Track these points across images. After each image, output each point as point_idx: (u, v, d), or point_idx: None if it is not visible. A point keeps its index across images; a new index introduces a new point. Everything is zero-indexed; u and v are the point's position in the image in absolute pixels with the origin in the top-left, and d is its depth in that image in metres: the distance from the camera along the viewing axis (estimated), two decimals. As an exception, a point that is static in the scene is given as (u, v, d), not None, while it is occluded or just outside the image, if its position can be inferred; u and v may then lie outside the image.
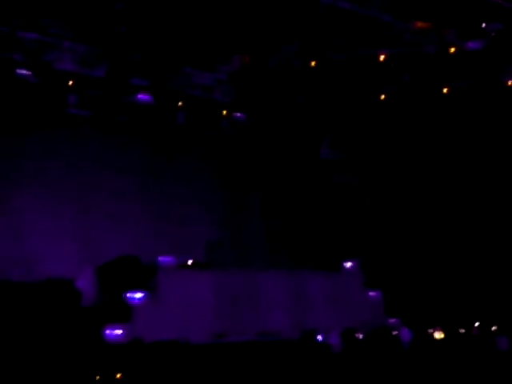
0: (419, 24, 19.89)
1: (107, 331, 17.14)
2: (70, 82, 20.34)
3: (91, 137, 21.50)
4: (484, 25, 19.68)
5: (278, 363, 16.99)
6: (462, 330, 20.90)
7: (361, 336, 19.40)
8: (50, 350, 15.63)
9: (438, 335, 20.63)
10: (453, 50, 20.42)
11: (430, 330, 20.63)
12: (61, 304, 17.66)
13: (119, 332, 17.21)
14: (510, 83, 21.76)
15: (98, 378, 14.99)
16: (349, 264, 21.43)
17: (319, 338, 18.95)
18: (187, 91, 21.88)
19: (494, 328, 21.20)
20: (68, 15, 19.00)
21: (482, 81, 21.73)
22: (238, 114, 23.23)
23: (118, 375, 15.29)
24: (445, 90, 22.11)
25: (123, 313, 17.66)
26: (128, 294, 17.95)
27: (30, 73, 19.79)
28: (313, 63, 20.94)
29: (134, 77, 20.67)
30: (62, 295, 17.93)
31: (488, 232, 23.63)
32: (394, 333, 19.96)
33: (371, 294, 21.29)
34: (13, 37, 19.17)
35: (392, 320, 20.82)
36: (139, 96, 21.15)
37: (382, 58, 20.62)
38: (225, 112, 22.96)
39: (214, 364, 16.52)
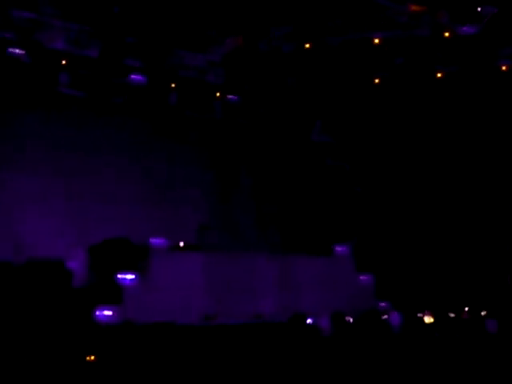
0: (413, 7, 19.80)
1: (98, 312, 17.16)
2: (63, 62, 20.18)
3: (83, 117, 21.35)
4: (479, 9, 19.58)
5: (267, 346, 17.01)
6: (452, 314, 20.98)
7: (351, 319, 19.44)
8: (41, 330, 15.63)
9: (428, 319, 20.70)
10: (447, 33, 20.32)
11: (420, 314, 20.71)
12: (52, 284, 17.66)
13: (110, 313, 17.23)
14: (504, 68, 21.71)
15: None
16: (340, 248, 21.47)
17: (309, 321, 18.99)
18: (180, 73, 21.78)
19: (483, 312, 21.30)
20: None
21: (476, 65, 21.67)
22: (231, 96, 23.15)
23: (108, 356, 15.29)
24: (439, 75, 22.06)
25: (114, 294, 17.68)
26: (119, 276, 17.97)
27: (22, 52, 19.63)
28: (306, 45, 20.83)
29: (127, 57, 20.52)
30: (53, 275, 17.92)
31: (478, 216, 23.69)
32: (384, 317, 20.02)
33: (362, 277, 21.36)
34: (5, 15, 19.00)
35: (382, 304, 20.89)
36: (132, 77, 21.02)
37: (376, 41, 20.52)
38: (218, 94, 22.88)
39: (203, 346, 16.53)
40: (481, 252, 23.35)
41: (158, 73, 21.33)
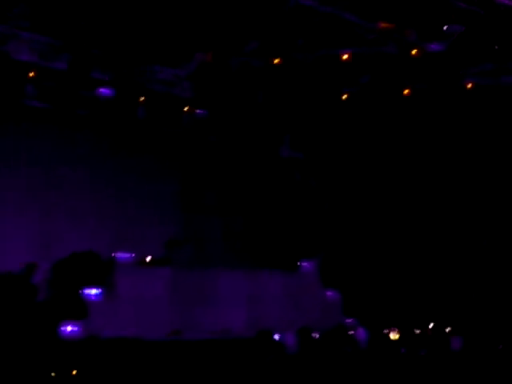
0: (382, 24, 19.95)
1: (63, 327, 17.00)
2: (30, 74, 20.03)
3: (49, 130, 21.21)
4: (446, 27, 19.79)
5: (234, 362, 16.97)
6: (418, 331, 21.09)
7: (317, 335, 19.44)
8: (4, 345, 15.44)
9: (394, 335, 20.78)
10: (415, 51, 20.51)
11: (386, 330, 20.78)
12: (16, 299, 17.47)
13: (75, 328, 17.07)
14: (469, 86, 21.97)
15: (53, 374, 14.84)
16: (307, 264, 21.48)
17: (276, 337, 18.94)
18: (149, 86, 21.73)
19: (448, 329, 21.44)
20: (28, 5, 18.72)
21: (442, 83, 21.90)
22: (199, 111, 23.14)
23: (74, 372, 15.16)
24: (406, 92, 22.26)
25: (79, 309, 17.53)
26: (84, 290, 17.82)
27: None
28: (275, 61, 20.89)
29: (95, 70, 20.44)
30: (17, 290, 17.73)
31: (443, 234, 23.88)
32: (351, 333, 20.05)
33: (328, 293, 21.38)
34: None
35: (349, 320, 20.92)
36: (100, 90, 20.93)
37: (344, 57, 20.64)
38: (186, 108, 22.85)
39: (169, 361, 16.46)
40: (447, 269, 23.52)
41: (126, 86, 21.27)
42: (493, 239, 23.52)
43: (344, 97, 22.74)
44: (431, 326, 21.48)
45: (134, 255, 18.93)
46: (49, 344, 16.23)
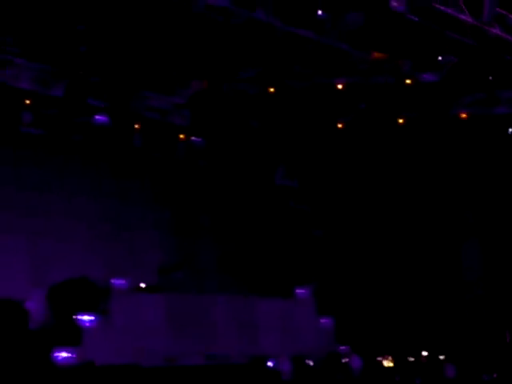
0: (376, 54, 20.13)
1: (57, 354, 16.91)
2: (27, 101, 20.11)
3: (45, 156, 21.24)
4: (440, 58, 19.99)
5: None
6: (411, 358, 21.09)
7: (311, 363, 19.42)
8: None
9: (388, 363, 20.78)
10: (409, 81, 20.70)
11: (380, 358, 20.78)
12: (9, 325, 17.38)
13: (69, 355, 16.99)
14: (463, 116, 22.15)
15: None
16: (301, 291, 21.48)
17: (270, 363, 18.92)
18: (145, 114, 21.82)
19: (441, 357, 21.45)
20: (26, 34, 18.81)
21: (436, 112, 22.08)
22: (195, 138, 23.23)
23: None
24: (400, 121, 22.42)
25: (74, 335, 17.45)
26: (79, 317, 17.75)
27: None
28: (271, 89, 21.04)
29: (91, 97, 20.52)
30: (10, 316, 17.64)
31: (436, 262, 23.95)
32: (345, 360, 20.03)
33: (323, 321, 21.35)
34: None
35: (343, 347, 20.90)
36: (96, 117, 21.00)
37: (339, 86, 20.80)
38: (182, 136, 22.94)
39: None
40: (439, 298, 23.56)
41: (122, 113, 21.35)
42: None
43: (339, 125, 22.87)
44: (425, 353, 21.50)
45: (128, 281, 18.89)
46: (43, 370, 16.15)
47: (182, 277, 20.52)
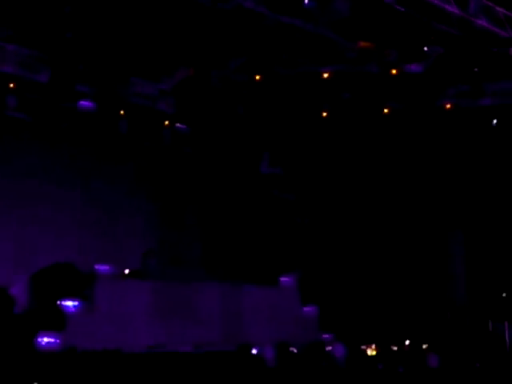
0: (362, 43, 20.17)
1: (40, 339, 16.88)
2: (11, 85, 20.00)
3: (29, 142, 21.23)
4: (426, 48, 20.05)
5: (211, 375, 16.93)
6: (395, 347, 21.19)
7: (295, 350, 19.46)
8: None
9: (371, 351, 20.87)
10: (394, 71, 20.74)
11: (363, 347, 20.86)
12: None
13: (52, 340, 16.96)
14: (448, 106, 22.24)
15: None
16: (285, 279, 21.53)
17: (254, 351, 18.95)
18: (131, 100, 21.76)
19: (424, 346, 21.56)
20: (12, 18, 18.71)
21: (421, 103, 22.16)
22: (180, 125, 23.20)
23: None
24: (385, 111, 22.48)
25: (57, 321, 17.42)
26: (62, 302, 17.72)
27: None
28: (257, 77, 21.04)
29: (77, 83, 20.43)
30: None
31: (421, 249, 24.08)
32: (328, 348, 20.09)
33: (306, 309, 21.42)
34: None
35: (326, 335, 20.97)
36: (81, 103, 20.91)
37: (325, 75, 20.83)
38: (167, 122, 22.91)
39: (148, 374, 16.39)
40: (423, 286, 23.69)
41: (108, 100, 21.28)
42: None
43: (324, 114, 22.91)
44: (408, 342, 21.61)
45: (112, 267, 18.87)
46: (26, 355, 16.10)
47: (160, 264, 20.47)
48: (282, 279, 21.54)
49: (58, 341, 17.00)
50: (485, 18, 20.17)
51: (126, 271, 19.57)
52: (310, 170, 24.82)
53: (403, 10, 18.81)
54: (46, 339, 16.97)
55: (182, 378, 16.45)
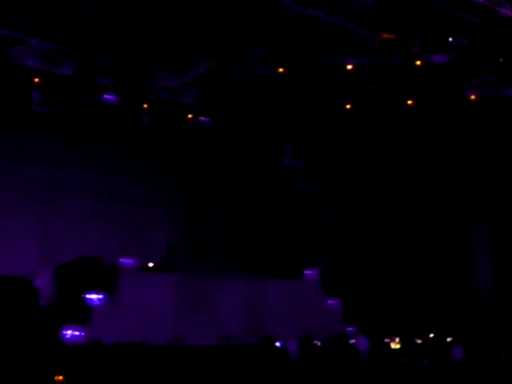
0: (386, 35, 20.04)
1: (65, 332, 16.99)
2: (36, 80, 20.09)
3: (54, 135, 21.27)
4: (450, 39, 19.89)
5: (235, 368, 16.99)
6: (419, 340, 21.11)
7: (319, 343, 19.46)
8: (6, 349, 15.42)
9: (395, 345, 20.81)
10: (419, 62, 20.59)
11: (387, 340, 20.80)
12: (18, 302, 17.47)
13: (77, 333, 17.07)
14: (473, 97, 22.05)
15: (56, 378, 14.83)
16: (309, 272, 21.52)
17: (277, 344, 18.97)
18: (153, 93, 21.77)
19: (449, 339, 21.46)
20: (36, 12, 18.77)
21: (446, 94, 21.99)
22: (203, 118, 23.19)
23: (60, 377, 15.13)
24: (409, 102, 22.33)
25: (82, 314, 17.54)
26: (87, 295, 17.83)
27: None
28: (280, 70, 20.97)
29: (100, 77, 20.48)
30: (19, 293, 17.73)
31: (445, 243, 23.93)
32: (352, 341, 20.07)
33: (330, 302, 21.40)
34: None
35: (350, 328, 20.94)
36: (105, 96, 20.96)
37: (349, 67, 20.73)
38: (190, 115, 22.90)
39: (172, 367, 16.48)
40: (447, 278, 23.55)
41: (131, 93, 21.31)
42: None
43: (348, 106, 22.80)
44: (432, 335, 21.52)
45: (136, 261, 18.95)
46: (50, 348, 16.22)
47: (184, 257, 20.53)
48: (306, 272, 21.54)
49: (82, 334, 17.10)
50: (509, 7, 19.96)
51: (150, 264, 19.64)
52: (332, 162, 24.73)
53: None
54: (70, 332, 17.08)
55: (205, 371, 16.51)
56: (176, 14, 18.92)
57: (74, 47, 19.77)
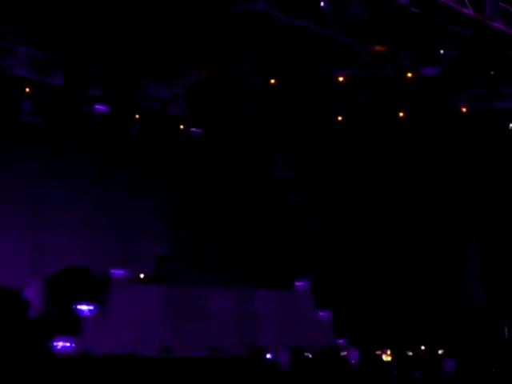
0: (377, 47, 20.09)
1: (55, 343, 16.84)
2: (27, 89, 20.00)
3: (44, 145, 21.19)
4: (441, 51, 19.95)
5: (226, 380, 16.88)
6: (410, 353, 21.08)
7: (310, 355, 19.38)
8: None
9: (386, 357, 20.77)
10: (409, 74, 20.65)
11: (378, 352, 20.76)
12: (6, 314, 17.31)
13: (67, 344, 16.92)
14: (464, 110, 22.11)
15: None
16: (300, 283, 21.45)
17: (268, 356, 18.87)
18: (144, 104, 21.72)
19: (440, 351, 21.46)
20: (26, 21, 18.69)
21: (437, 106, 22.05)
22: (194, 129, 23.14)
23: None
24: (401, 114, 22.38)
25: (72, 325, 17.39)
26: (78, 306, 17.69)
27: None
28: (271, 81, 20.98)
29: (91, 87, 20.41)
30: (7, 305, 17.57)
31: (436, 254, 23.95)
32: (343, 353, 20.00)
33: (321, 313, 21.33)
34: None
35: (341, 340, 20.88)
36: (96, 106, 20.88)
37: (340, 79, 20.75)
38: (181, 126, 22.86)
39: (162, 378, 16.36)
40: (438, 291, 23.57)
41: (121, 103, 21.26)
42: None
43: (339, 118, 22.82)
44: (423, 347, 21.50)
45: (127, 271, 18.83)
46: (41, 360, 16.08)
47: (175, 268, 20.44)
48: (297, 283, 21.47)
49: (73, 345, 16.95)
50: (500, 20, 20.06)
51: (141, 275, 19.53)
52: (323, 173, 24.74)
53: (418, 12, 18.72)
54: (61, 343, 16.93)
55: (196, 382, 16.41)
56: (167, 25, 18.89)
57: (64, 57, 19.70)
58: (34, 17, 18.54)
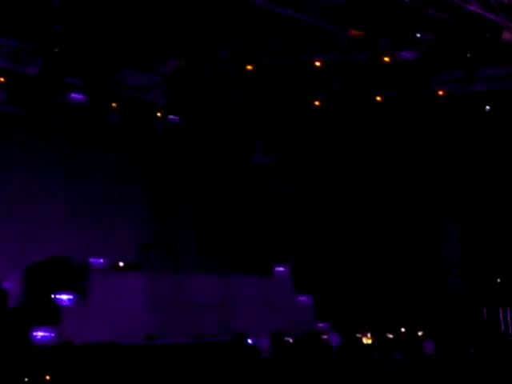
0: (354, 32, 20.08)
1: (35, 333, 16.83)
2: (1, 79, 19.86)
3: (21, 135, 21.05)
4: (418, 35, 19.96)
5: (208, 365, 16.93)
6: (390, 335, 21.21)
7: (291, 340, 19.47)
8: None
9: (366, 340, 20.88)
10: (387, 58, 20.67)
11: (359, 335, 20.87)
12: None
13: (47, 334, 16.91)
14: (441, 93, 22.18)
15: (26, 380, 14.69)
16: (279, 268, 21.52)
17: (249, 341, 18.94)
18: (122, 92, 21.62)
19: (420, 333, 21.59)
20: (1, 11, 18.54)
21: (414, 90, 22.10)
22: (172, 116, 23.08)
23: (47, 377, 15.02)
24: (378, 98, 22.41)
25: (52, 314, 17.37)
26: (57, 296, 17.67)
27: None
28: (249, 67, 20.95)
29: (67, 76, 20.30)
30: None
31: (416, 238, 24.05)
32: (324, 337, 20.10)
33: (302, 298, 21.41)
34: None
35: (321, 325, 20.97)
36: (72, 95, 20.77)
37: (317, 64, 20.75)
38: (159, 114, 22.78)
39: (144, 365, 16.38)
40: (418, 274, 23.68)
41: (99, 92, 21.15)
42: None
43: (316, 103, 22.83)
44: (403, 330, 21.63)
45: (107, 260, 18.82)
46: (21, 350, 16.05)
47: (154, 257, 20.46)
48: (276, 269, 21.53)
49: (52, 335, 16.94)
50: (476, 4, 20.07)
51: (121, 264, 19.52)
52: (303, 158, 24.76)
53: (395, -4, 18.72)
54: (40, 333, 16.90)
55: (178, 369, 16.45)
56: (144, 12, 18.82)
57: (40, 46, 19.57)
58: (8, 6, 18.41)
